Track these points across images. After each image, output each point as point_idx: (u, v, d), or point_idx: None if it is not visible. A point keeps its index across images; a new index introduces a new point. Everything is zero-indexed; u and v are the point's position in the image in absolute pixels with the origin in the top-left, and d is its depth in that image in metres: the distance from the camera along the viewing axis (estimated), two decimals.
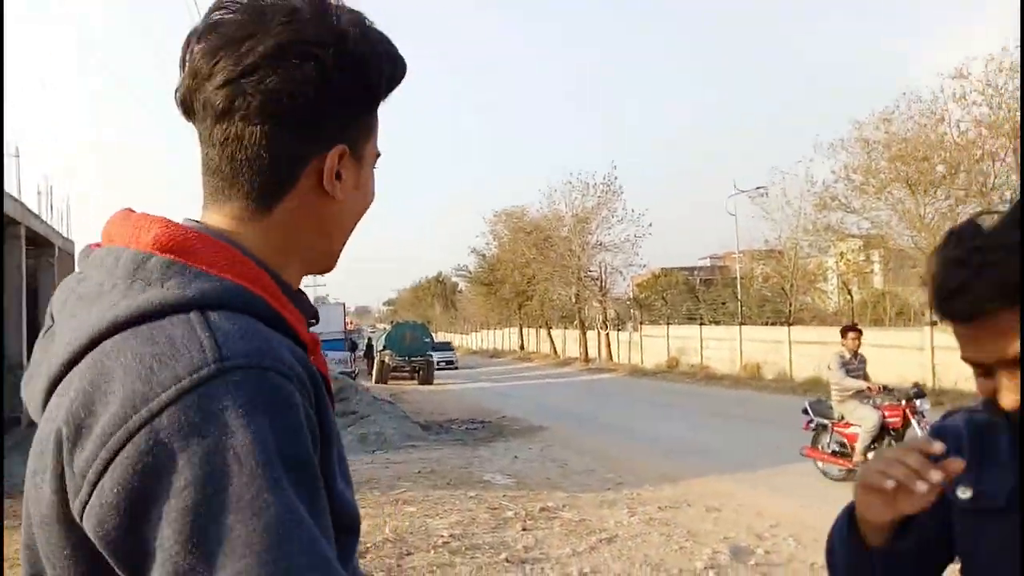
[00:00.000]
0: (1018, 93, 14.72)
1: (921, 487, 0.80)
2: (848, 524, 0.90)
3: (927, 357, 14.01)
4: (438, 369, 26.67)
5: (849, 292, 17.77)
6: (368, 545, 5.16)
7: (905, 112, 16.26)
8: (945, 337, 14.12)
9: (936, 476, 0.80)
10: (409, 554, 4.96)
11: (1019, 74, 13.57)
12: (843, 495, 4.94)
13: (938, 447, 0.82)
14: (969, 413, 1.04)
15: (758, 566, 4.73)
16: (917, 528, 0.89)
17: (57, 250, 13.94)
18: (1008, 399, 0.85)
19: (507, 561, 4.73)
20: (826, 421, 7.46)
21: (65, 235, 15.14)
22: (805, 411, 7.83)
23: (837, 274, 20.85)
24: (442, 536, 5.34)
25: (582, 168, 48.76)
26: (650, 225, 30.01)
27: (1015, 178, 15.25)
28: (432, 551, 5.00)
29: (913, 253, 17.21)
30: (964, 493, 0.95)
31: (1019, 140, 13.74)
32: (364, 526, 5.84)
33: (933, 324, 14.63)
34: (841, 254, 20.40)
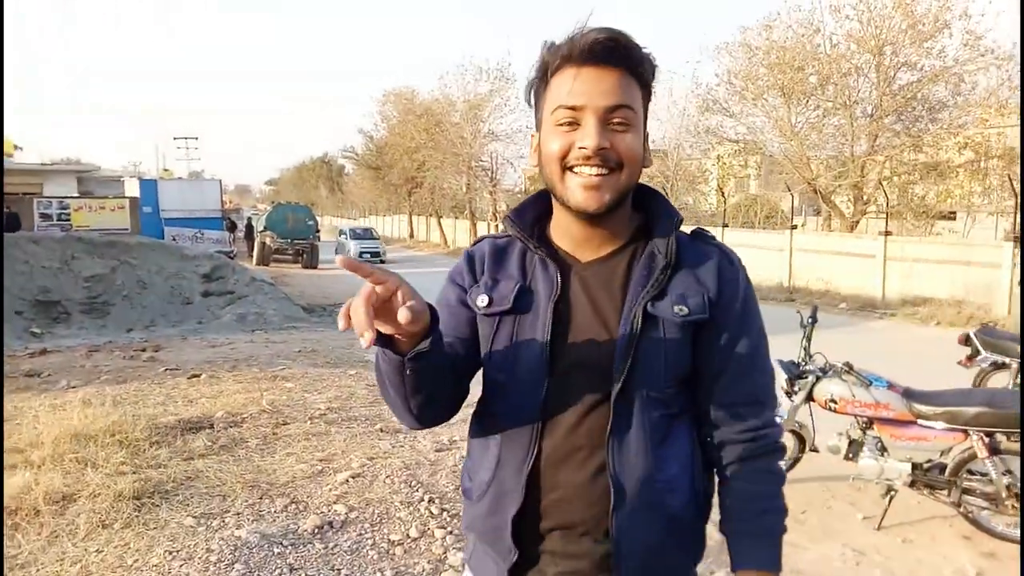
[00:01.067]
0: (885, 10, 15.44)
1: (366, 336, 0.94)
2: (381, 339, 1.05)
3: (786, 258, 15.16)
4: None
5: (723, 194, 18.69)
6: (244, 416, 5.25)
7: (786, 20, 16.71)
8: (803, 239, 15.32)
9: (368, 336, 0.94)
10: (285, 424, 5.10)
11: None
12: None
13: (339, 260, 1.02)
14: (493, 238, 1.31)
15: None
16: (439, 335, 1.09)
17: None
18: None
19: (381, 431, 4.96)
20: None
21: None
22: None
23: (716, 177, 21.81)
24: (319, 408, 5.49)
25: (476, 54, 47.07)
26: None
27: (875, 93, 16.23)
28: (308, 421, 5.16)
29: (782, 161, 18.23)
30: (482, 301, 1.21)
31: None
32: (240, 400, 5.90)
33: (793, 228, 15.78)
34: (719, 157, 21.28)
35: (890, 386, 3.73)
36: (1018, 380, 5.07)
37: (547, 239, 1.23)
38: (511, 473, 1.16)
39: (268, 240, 24.29)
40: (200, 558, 3.15)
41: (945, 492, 3.64)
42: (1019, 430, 3.39)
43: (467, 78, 28.56)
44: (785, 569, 3.35)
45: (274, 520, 3.55)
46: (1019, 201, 11.27)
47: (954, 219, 19.08)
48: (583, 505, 1.14)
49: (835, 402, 3.79)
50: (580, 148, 1.09)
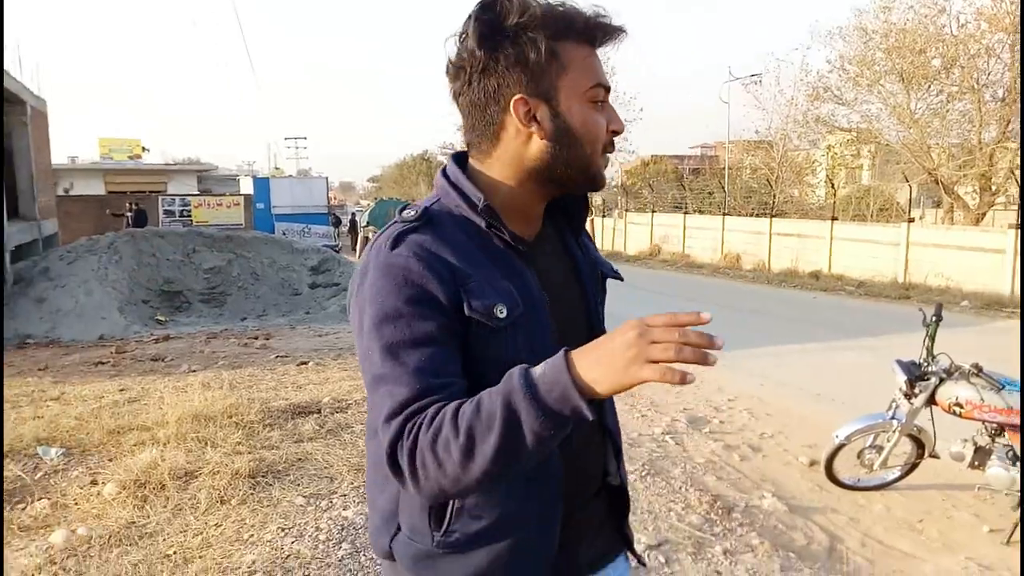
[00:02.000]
0: None
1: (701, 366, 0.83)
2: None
3: (902, 253, 14.28)
4: None
5: (833, 186, 17.79)
6: (349, 402, 5.45)
7: (907, 1, 15.68)
8: (921, 233, 14.38)
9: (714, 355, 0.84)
10: None
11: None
12: (804, 378, 5.23)
13: (707, 316, 0.86)
14: (411, 231, 1.05)
15: (711, 433, 5.08)
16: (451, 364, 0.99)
17: (29, 108, 13.53)
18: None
19: None
20: None
21: (36, 94, 14.64)
22: None
23: (825, 168, 20.79)
24: None
25: None
26: (641, 110, 29.43)
27: (1009, 75, 14.99)
28: None
29: (900, 150, 17.15)
30: (501, 312, 1.01)
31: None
32: (345, 387, 6.10)
33: (911, 221, 14.83)
34: (829, 147, 20.27)
35: None
36: None
37: (501, 222, 1.08)
38: (545, 479, 1.07)
39: (371, 235, 25.08)
40: (310, 536, 3.29)
41: None
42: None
43: None
44: None
45: None
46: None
47: None
48: (595, 463, 1.21)
49: (961, 406, 3.53)
50: (614, 131, 1.11)
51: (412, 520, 1.07)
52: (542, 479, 1.07)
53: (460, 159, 1.14)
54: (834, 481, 4.02)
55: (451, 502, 1.04)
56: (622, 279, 1.32)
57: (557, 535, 1.09)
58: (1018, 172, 14.40)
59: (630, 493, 1.32)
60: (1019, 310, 7.96)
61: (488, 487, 0.95)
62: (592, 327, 1.19)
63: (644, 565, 1.30)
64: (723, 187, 22.84)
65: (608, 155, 1.13)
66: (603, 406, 1.21)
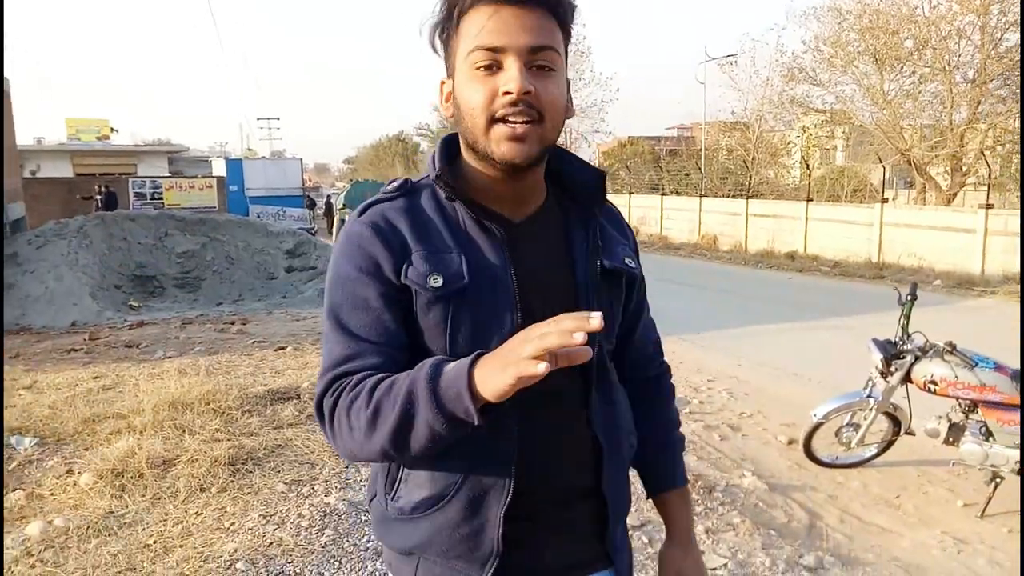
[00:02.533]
0: None
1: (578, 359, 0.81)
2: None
3: (875, 233, 14.47)
4: None
5: (808, 167, 17.93)
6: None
7: None
8: (894, 213, 14.57)
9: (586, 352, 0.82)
10: None
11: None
12: (781, 357, 5.28)
13: (596, 321, 0.79)
14: (381, 201, 1.09)
15: (691, 414, 5.13)
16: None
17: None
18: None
19: None
20: None
21: None
22: None
23: (800, 149, 20.94)
24: None
25: None
26: (618, 90, 29.32)
27: (979, 56, 15.16)
28: None
29: (873, 131, 17.31)
30: (435, 280, 1.01)
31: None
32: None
33: (884, 201, 15.01)
34: (804, 128, 20.40)
35: (998, 367, 3.50)
36: None
37: (468, 197, 1.07)
38: (492, 467, 1.04)
39: (347, 217, 24.77)
40: (292, 523, 3.27)
41: None
42: None
43: None
44: (882, 557, 3.22)
45: (360, 488, 3.65)
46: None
47: None
48: (573, 469, 1.12)
49: (935, 383, 3.59)
50: (504, 93, 0.98)
51: (376, 485, 1.14)
52: (488, 466, 1.04)
53: (451, 141, 1.12)
54: (812, 459, 4.08)
55: (400, 469, 1.09)
56: (637, 276, 1.20)
57: (498, 525, 1.04)
58: (988, 153, 14.63)
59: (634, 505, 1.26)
60: (1020, 295, 8.00)
61: (414, 460, 1.03)
62: (576, 301, 1.10)
63: None
64: (700, 168, 22.94)
65: (509, 125, 0.99)
66: (592, 412, 1.12)
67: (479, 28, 0.99)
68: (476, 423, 0.87)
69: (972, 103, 15.51)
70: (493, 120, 0.99)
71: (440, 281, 1.01)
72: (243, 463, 3.93)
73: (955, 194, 16.23)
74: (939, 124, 16.23)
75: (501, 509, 1.04)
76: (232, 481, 3.71)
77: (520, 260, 1.06)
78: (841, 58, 16.81)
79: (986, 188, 13.81)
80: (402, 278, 1.02)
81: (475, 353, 0.88)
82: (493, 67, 0.99)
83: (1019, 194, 14.79)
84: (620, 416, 1.19)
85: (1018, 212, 13.32)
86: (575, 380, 1.10)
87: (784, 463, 4.22)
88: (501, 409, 0.88)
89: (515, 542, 1.06)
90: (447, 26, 1.04)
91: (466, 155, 1.08)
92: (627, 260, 1.17)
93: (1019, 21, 13.42)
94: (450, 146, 1.12)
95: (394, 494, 1.09)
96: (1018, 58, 14.64)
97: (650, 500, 1.32)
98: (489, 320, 1.03)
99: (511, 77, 0.98)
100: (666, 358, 1.36)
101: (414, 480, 1.07)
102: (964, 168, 16.08)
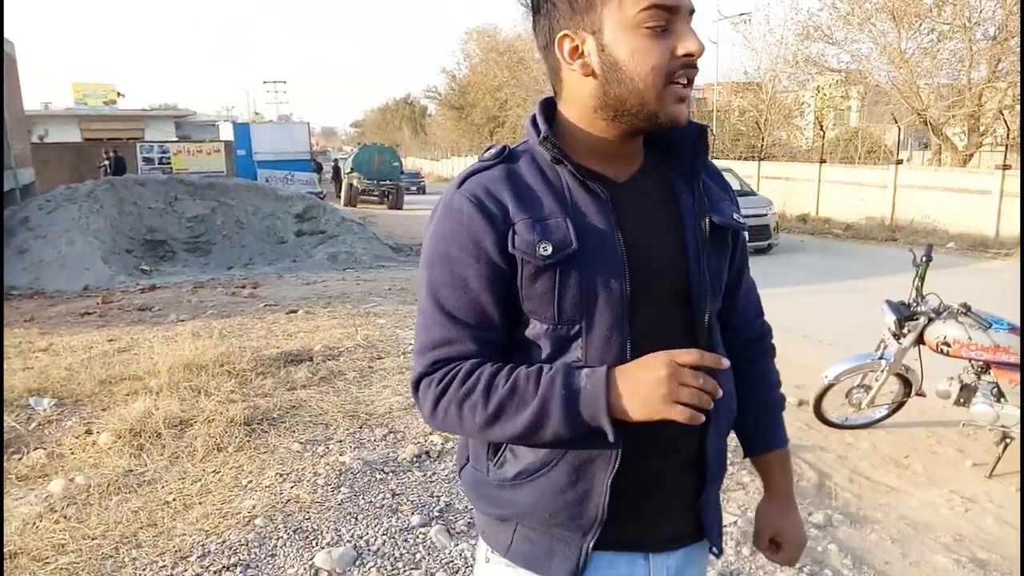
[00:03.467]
0: None
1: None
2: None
3: (889, 195, 14.31)
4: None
5: (822, 128, 17.67)
6: (341, 350, 5.46)
7: None
8: (909, 175, 14.38)
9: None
10: (380, 358, 5.27)
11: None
12: (792, 320, 5.21)
13: (726, 363, 0.94)
14: (480, 171, 1.06)
15: None
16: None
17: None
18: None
19: None
20: None
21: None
22: None
23: (813, 109, 20.62)
24: (410, 343, 5.64)
25: None
26: None
27: (1001, 12, 14.78)
28: (402, 356, 5.32)
29: (889, 90, 16.99)
30: (544, 249, 0.99)
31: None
32: (337, 334, 6.11)
33: (899, 163, 14.81)
34: (818, 88, 20.06)
35: (1012, 329, 3.48)
36: None
37: (572, 159, 1.04)
38: (600, 435, 0.99)
39: (355, 181, 24.79)
40: (309, 481, 3.33)
41: None
42: None
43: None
44: (890, 515, 3.24)
45: (374, 448, 3.71)
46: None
47: None
48: (678, 437, 1.07)
49: (948, 345, 3.58)
50: (686, 56, 0.96)
51: (476, 451, 1.14)
52: (596, 434, 1.00)
53: (547, 104, 1.10)
54: (823, 420, 4.09)
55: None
56: (743, 231, 1.18)
57: (604, 493, 1.03)
58: (1007, 112, 14.35)
59: (728, 467, 1.23)
60: (1020, 253, 7.95)
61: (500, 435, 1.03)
62: (690, 281, 1.06)
63: (717, 556, 1.19)
64: (712, 130, 22.63)
65: (680, 87, 0.99)
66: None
67: None
68: (611, 439, 0.95)
69: (992, 61, 15.18)
70: (669, 82, 0.97)
71: (549, 249, 0.99)
72: (258, 423, 3.98)
73: (971, 155, 15.99)
74: (957, 83, 15.92)
75: (609, 475, 1.02)
76: (248, 441, 3.76)
77: (627, 221, 1.03)
78: (858, 15, 16.44)
79: (1004, 148, 13.59)
80: (509, 248, 1.00)
81: (606, 369, 0.95)
82: (667, 28, 0.97)
83: (1020, 157, 14.58)
84: (724, 381, 1.13)
85: None
86: (683, 343, 1.05)
87: (794, 423, 4.24)
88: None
89: (618, 511, 1.05)
90: None
91: (576, 116, 1.05)
92: (734, 215, 1.14)
93: (1019, 22, 13.02)
94: (548, 107, 1.09)
95: (498, 461, 1.08)
96: None
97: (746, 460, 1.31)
98: (598, 285, 1.01)
99: (692, 39, 0.97)
100: None
101: (519, 451, 1.06)
102: (982, 128, 15.80)
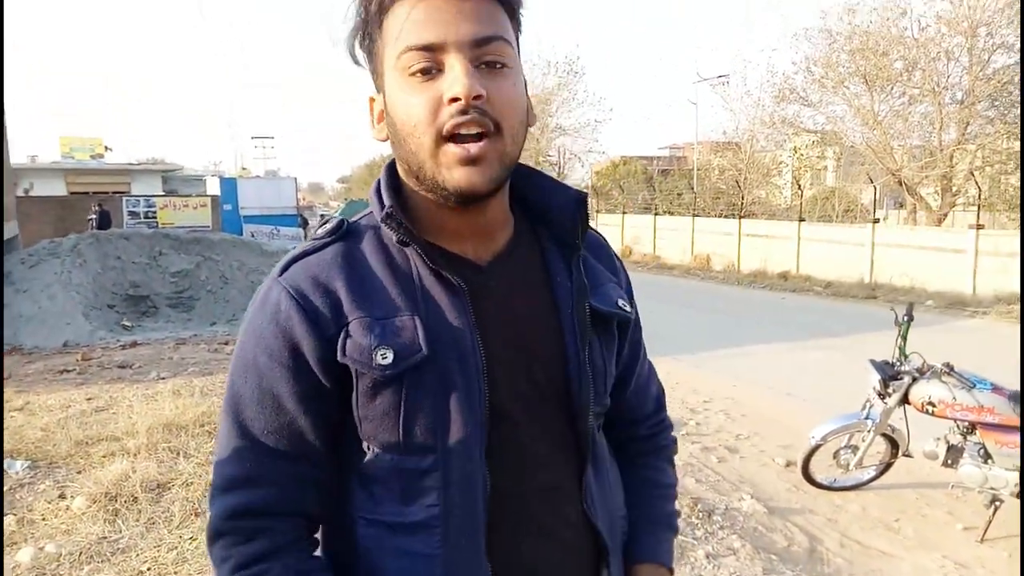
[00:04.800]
0: None
1: None
2: None
3: (867, 253, 14.55)
4: None
5: (800, 187, 18.07)
6: None
7: (870, 4, 16.02)
8: (886, 234, 14.65)
9: None
10: None
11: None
12: (776, 378, 5.28)
13: None
14: (307, 254, 0.86)
15: (688, 435, 5.11)
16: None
17: None
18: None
19: None
20: None
21: None
22: None
23: (791, 169, 21.11)
24: None
25: (544, 47, 47.28)
26: (611, 110, 29.52)
27: (967, 78, 15.36)
28: None
29: (864, 151, 17.48)
30: (384, 357, 0.80)
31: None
32: None
33: (875, 222, 15.10)
34: (795, 149, 20.59)
35: (995, 389, 3.51)
36: None
37: (423, 239, 0.84)
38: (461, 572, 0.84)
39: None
40: None
41: None
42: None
43: (535, 72, 28.56)
44: None
45: None
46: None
47: None
48: (569, 569, 0.92)
49: (934, 405, 3.59)
50: (450, 100, 0.77)
51: None
52: (456, 555, 0.84)
53: (395, 168, 0.91)
54: (811, 481, 4.06)
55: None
56: (631, 320, 0.99)
57: None
58: (978, 173, 14.77)
59: None
60: (1020, 316, 7.96)
61: None
62: (568, 379, 0.89)
63: None
64: (692, 188, 23.08)
65: (459, 145, 0.78)
66: (592, 500, 0.92)
67: (409, 21, 0.78)
68: None
69: (961, 124, 15.70)
70: (441, 138, 0.78)
71: (390, 356, 0.79)
72: None
73: (945, 214, 16.37)
74: (929, 144, 16.42)
75: None
76: None
77: (490, 315, 0.85)
78: (832, 79, 17.02)
79: (976, 208, 13.94)
80: (338, 356, 0.80)
81: None
82: (432, 70, 0.78)
83: (1019, 215, 14.92)
84: (614, 498, 0.99)
85: (1008, 232, 13.43)
86: (564, 451, 0.90)
87: (783, 485, 4.21)
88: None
89: None
90: (368, 29, 0.83)
91: (412, 184, 0.86)
92: (619, 302, 0.96)
93: (1019, 29, 13.44)
94: (396, 175, 0.89)
95: None
96: (1006, 79, 14.86)
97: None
98: (454, 401, 0.82)
99: (456, 78, 0.76)
100: (662, 378, 1.16)
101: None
102: (954, 188, 16.23)
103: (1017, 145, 15.35)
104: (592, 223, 0.98)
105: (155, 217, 23.16)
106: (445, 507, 0.82)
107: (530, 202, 0.95)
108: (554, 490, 0.89)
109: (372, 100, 0.88)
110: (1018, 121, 15.04)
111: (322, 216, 33.80)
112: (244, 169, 46.21)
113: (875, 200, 16.59)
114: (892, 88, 16.44)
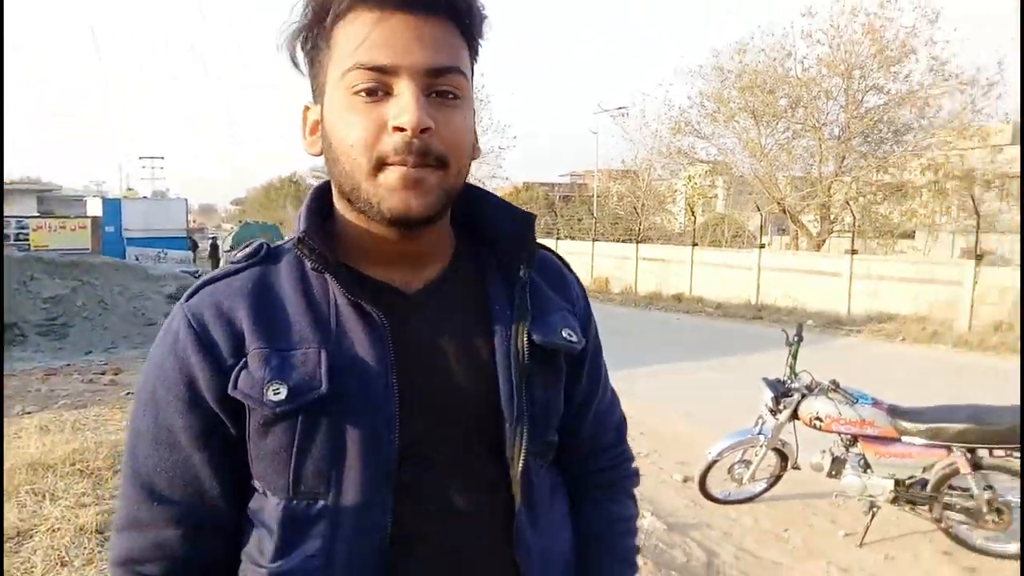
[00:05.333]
0: (855, 35, 15.85)
1: None
2: None
3: (754, 276, 15.32)
4: None
5: (693, 214, 18.90)
6: None
7: (758, 44, 17.09)
8: (771, 258, 15.50)
9: None
10: None
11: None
12: (673, 397, 5.41)
13: None
14: (216, 280, 0.82)
15: None
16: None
17: None
18: None
19: None
20: None
21: None
22: None
23: (684, 196, 22.07)
24: None
25: None
26: (515, 138, 30.07)
27: (843, 115, 16.62)
28: None
29: (752, 181, 18.52)
30: (276, 393, 0.74)
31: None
32: None
33: (761, 247, 15.97)
34: (689, 177, 21.56)
35: (875, 403, 3.72)
36: None
37: (342, 264, 0.79)
38: None
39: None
40: None
41: (927, 508, 3.63)
42: (1016, 446, 3.39)
43: None
44: None
45: None
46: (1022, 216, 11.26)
47: (913, 238, 19.53)
48: None
49: (821, 420, 3.77)
50: (395, 129, 0.72)
51: None
52: None
53: (327, 189, 0.86)
54: (707, 496, 4.16)
55: None
56: (579, 351, 0.91)
57: None
58: (852, 203, 15.90)
59: None
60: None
61: None
62: (500, 419, 0.81)
63: None
64: (592, 213, 23.70)
65: (399, 169, 0.73)
66: (524, 547, 0.84)
67: (360, 40, 0.73)
68: None
69: (838, 158, 16.93)
70: (379, 164, 0.74)
71: (283, 392, 0.73)
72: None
73: (824, 240, 17.51)
74: (810, 176, 17.61)
75: None
76: (100, 551, 3.35)
77: (412, 350, 0.79)
78: (723, 113, 17.98)
79: (851, 235, 14.98)
80: (230, 389, 0.74)
81: None
82: (378, 92, 0.73)
83: (889, 241, 16.07)
84: (556, 540, 0.91)
85: (878, 257, 14.49)
86: (490, 499, 0.83)
87: (681, 501, 4.29)
88: None
89: None
90: (314, 34, 0.78)
91: (341, 207, 0.81)
92: (565, 332, 0.87)
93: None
94: (324, 198, 0.84)
95: None
96: (876, 118, 16.15)
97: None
98: (356, 443, 0.75)
99: (404, 107, 0.72)
100: None
101: None
102: (832, 216, 17.42)
103: (886, 178, 16.69)
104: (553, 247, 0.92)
105: (27, 239, 21.49)
106: (326, 559, 0.75)
107: (475, 225, 0.90)
108: (477, 539, 0.82)
109: (307, 109, 0.82)
110: (887, 156, 16.36)
111: (214, 238, 32.46)
112: (130, 190, 43.81)
113: (761, 227, 17.56)
114: (777, 123, 17.55)
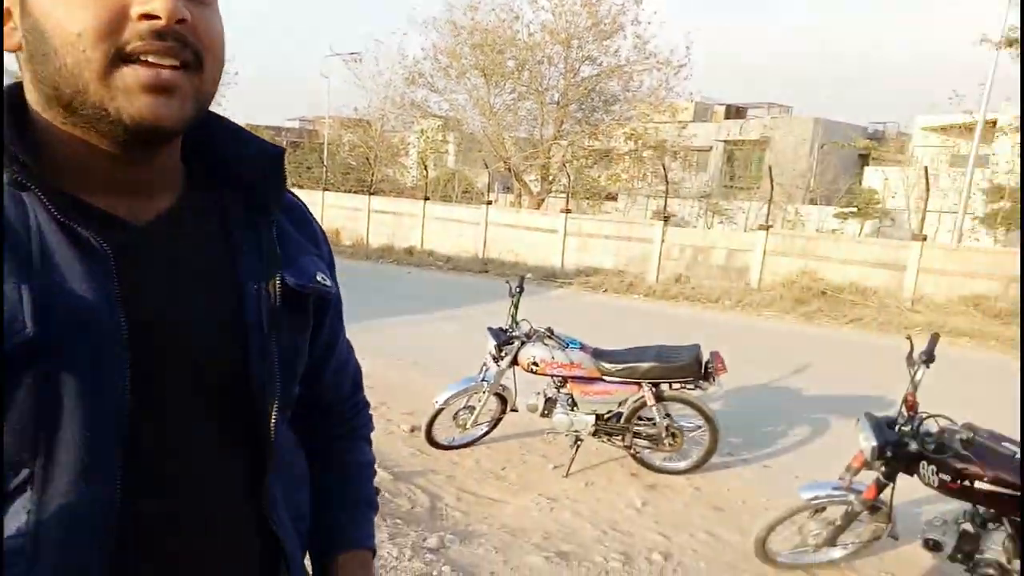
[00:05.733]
0: (574, 7, 17.07)
1: None
2: None
3: (482, 232, 16.06)
4: None
5: (426, 168, 19.13)
6: None
7: (489, 3, 17.58)
8: (497, 214, 16.33)
9: None
10: None
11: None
12: (402, 348, 5.41)
13: None
14: None
15: None
16: None
17: None
18: None
19: None
20: None
21: None
22: None
23: (417, 150, 22.22)
24: None
25: None
26: (236, 74, 27.47)
27: (563, 82, 17.90)
28: None
29: (481, 139, 19.23)
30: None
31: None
32: None
33: (488, 203, 16.75)
34: (422, 131, 21.71)
35: (582, 347, 4.11)
36: None
37: (51, 186, 0.64)
38: None
39: None
40: None
41: (620, 438, 4.14)
42: (690, 379, 3.96)
43: None
44: (493, 525, 3.49)
45: None
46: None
47: (616, 200, 21.94)
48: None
49: (536, 364, 4.07)
50: (142, 17, 0.61)
51: None
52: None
53: (21, 91, 0.69)
54: (433, 444, 4.30)
55: None
56: (332, 296, 0.85)
57: None
58: (568, 166, 17.33)
59: None
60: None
61: None
62: (249, 370, 0.73)
63: None
64: (323, 162, 22.84)
65: (143, 67, 0.61)
66: (275, 506, 0.79)
67: None
68: None
69: (557, 122, 18.24)
70: (117, 59, 0.61)
71: None
72: None
73: (543, 200, 18.88)
74: (532, 138, 18.76)
75: None
76: None
77: (144, 289, 0.67)
78: (456, 69, 18.28)
79: (565, 195, 16.34)
80: None
81: None
82: None
83: (599, 201, 17.81)
84: (299, 497, 0.87)
85: (587, 216, 16.01)
86: (236, 454, 0.75)
87: (407, 451, 4.38)
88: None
89: None
90: None
91: (49, 117, 0.65)
92: (319, 275, 0.81)
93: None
94: (21, 103, 0.67)
95: None
96: (590, 87, 17.65)
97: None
98: (74, 400, 0.62)
99: None
100: None
101: None
102: (550, 177, 18.81)
103: (596, 144, 18.42)
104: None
105: None
106: (35, 538, 0.62)
107: (213, 155, 0.78)
108: (222, 499, 0.74)
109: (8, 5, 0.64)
110: (598, 124, 18.03)
111: None
112: None
113: (489, 184, 18.37)
114: (505, 84, 18.32)
